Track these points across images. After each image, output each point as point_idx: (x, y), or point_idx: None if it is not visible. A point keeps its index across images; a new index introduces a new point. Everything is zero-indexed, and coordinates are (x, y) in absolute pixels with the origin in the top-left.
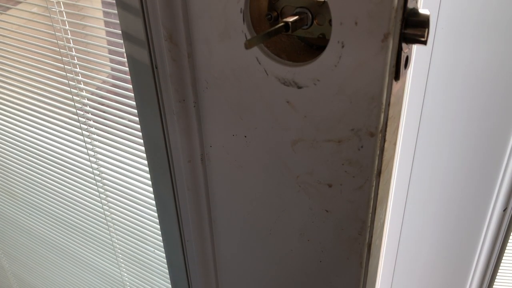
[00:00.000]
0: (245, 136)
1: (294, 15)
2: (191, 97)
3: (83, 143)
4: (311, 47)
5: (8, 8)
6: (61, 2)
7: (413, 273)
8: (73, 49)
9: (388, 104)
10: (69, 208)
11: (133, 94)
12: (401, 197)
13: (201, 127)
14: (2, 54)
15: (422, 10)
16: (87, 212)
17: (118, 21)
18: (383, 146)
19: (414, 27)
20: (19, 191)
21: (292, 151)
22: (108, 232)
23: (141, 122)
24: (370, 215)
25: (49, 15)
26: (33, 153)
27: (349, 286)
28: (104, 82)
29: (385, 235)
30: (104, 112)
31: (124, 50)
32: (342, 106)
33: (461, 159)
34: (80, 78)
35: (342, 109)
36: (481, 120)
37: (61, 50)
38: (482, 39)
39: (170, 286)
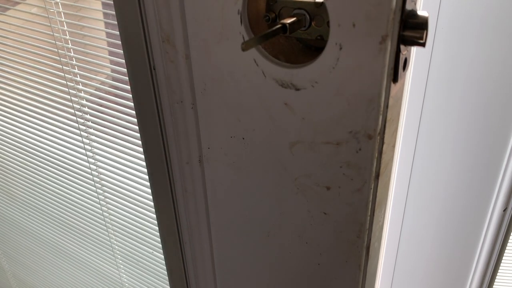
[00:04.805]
0: (243, 138)
1: (292, 16)
2: (189, 98)
3: (82, 144)
4: (309, 49)
5: (7, 9)
6: (60, 3)
7: (413, 274)
8: (72, 49)
9: (386, 106)
10: (68, 209)
11: (131, 95)
12: (401, 199)
13: (199, 128)
14: (1, 55)
15: (421, 12)
16: (86, 213)
17: (116, 22)
18: (382, 148)
19: (413, 29)
20: (18, 192)
21: (290, 153)
22: (106, 233)
23: (139, 124)
24: (369, 217)
25: (47, 15)
26: (32, 153)
27: None
28: (102, 83)
29: (385, 237)
30: (102, 113)
31: (122, 51)
32: (340, 108)
33: (461, 160)
34: (78, 79)
35: (340, 111)
36: (480, 120)
37: (59, 50)
38: (483, 40)
39: (168, 287)
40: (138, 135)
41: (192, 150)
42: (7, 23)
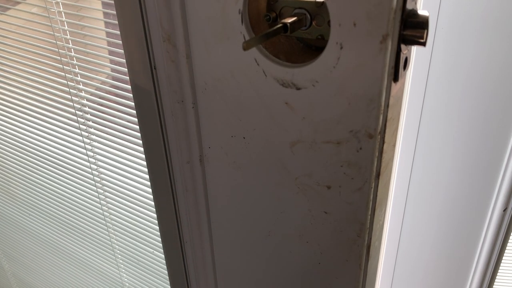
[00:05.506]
0: (244, 137)
1: (293, 16)
2: (190, 98)
3: (82, 144)
4: (309, 48)
5: (8, 9)
6: (60, 3)
7: (413, 274)
8: (72, 49)
9: (387, 105)
10: (68, 209)
11: (132, 95)
12: (401, 198)
13: (200, 128)
14: (1, 55)
15: (421, 11)
16: (86, 213)
17: (117, 22)
18: (382, 147)
19: (413, 29)
20: (19, 192)
21: (291, 153)
22: (107, 233)
23: (140, 123)
24: (369, 216)
25: (48, 15)
26: (32, 153)
27: None
28: (103, 82)
29: (385, 237)
30: (103, 112)
31: (123, 51)
32: (341, 107)
33: (461, 160)
34: (79, 78)
35: (341, 111)
36: (481, 120)
37: (60, 50)
38: (483, 39)
39: (169, 287)
40: (139, 134)
41: (193, 149)
42: (7, 23)
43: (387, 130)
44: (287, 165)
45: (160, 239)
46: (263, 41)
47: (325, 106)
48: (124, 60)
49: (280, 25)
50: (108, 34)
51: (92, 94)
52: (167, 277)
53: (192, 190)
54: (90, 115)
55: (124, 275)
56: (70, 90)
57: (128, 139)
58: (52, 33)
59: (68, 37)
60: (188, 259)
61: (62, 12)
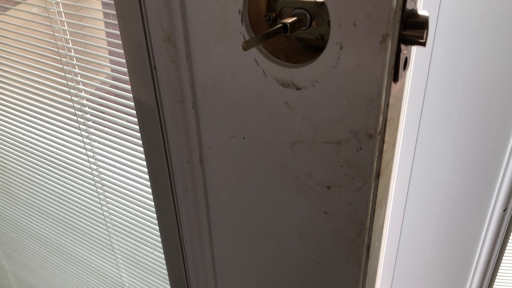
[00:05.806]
0: (244, 138)
1: (293, 16)
2: (190, 98)
3: (82, 144)
4: (309, 48)
5: (7, 9)
6: (60, 3)
7: (413, 274)
8: (72, 49)
9: (387, 105)
10: (68, 209)
11: (132, 95)
12: (401, 198)
13: (200, 128)
14: (1, 55)
15: (421, 12)
16: (86, 213)
17: (117, 22)
18: (382, 147)
19: (413, 29)
20: (19, 192)
21: (290, 153)
22: (107, 233)
23: (139, 123)
24: (369, 217)
25: (48, 15)
26: (32, 153)
27: None
28: (103, 82)
29: (385, 237)
30: (103, 112)
31: (123, 51)
32: (341, 107)
33: (461, 160)
34: (79, 78)
35: (341, 111)
36: (480, 120)
37: (60, 50)
38: (483, 39)
39: (168, 287)
40: (139, 134)
41: (193, 149)
42: (7, 23)
43: (387, 130)
44: (287, 165)
45: (160, 239)
46: (263, 41)
47: (325, 106)
48: (124, 60)
49: (280, 25)
50: (108, 34)
51: (92, 94)
52: (167, 277)
53: (192, 190)
54: (90, 115)
55: (124, 275)
56: (70, 90)
57: (128, 139)
58: (52, 33)
59: (68, 37)
60: (188, 259)
61: (62, 12)
